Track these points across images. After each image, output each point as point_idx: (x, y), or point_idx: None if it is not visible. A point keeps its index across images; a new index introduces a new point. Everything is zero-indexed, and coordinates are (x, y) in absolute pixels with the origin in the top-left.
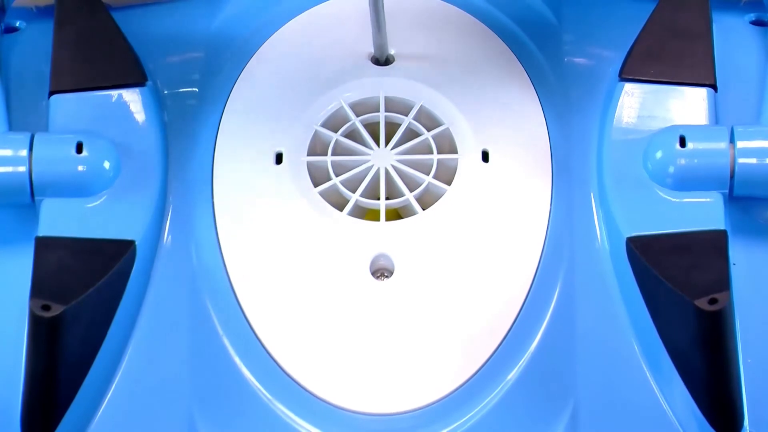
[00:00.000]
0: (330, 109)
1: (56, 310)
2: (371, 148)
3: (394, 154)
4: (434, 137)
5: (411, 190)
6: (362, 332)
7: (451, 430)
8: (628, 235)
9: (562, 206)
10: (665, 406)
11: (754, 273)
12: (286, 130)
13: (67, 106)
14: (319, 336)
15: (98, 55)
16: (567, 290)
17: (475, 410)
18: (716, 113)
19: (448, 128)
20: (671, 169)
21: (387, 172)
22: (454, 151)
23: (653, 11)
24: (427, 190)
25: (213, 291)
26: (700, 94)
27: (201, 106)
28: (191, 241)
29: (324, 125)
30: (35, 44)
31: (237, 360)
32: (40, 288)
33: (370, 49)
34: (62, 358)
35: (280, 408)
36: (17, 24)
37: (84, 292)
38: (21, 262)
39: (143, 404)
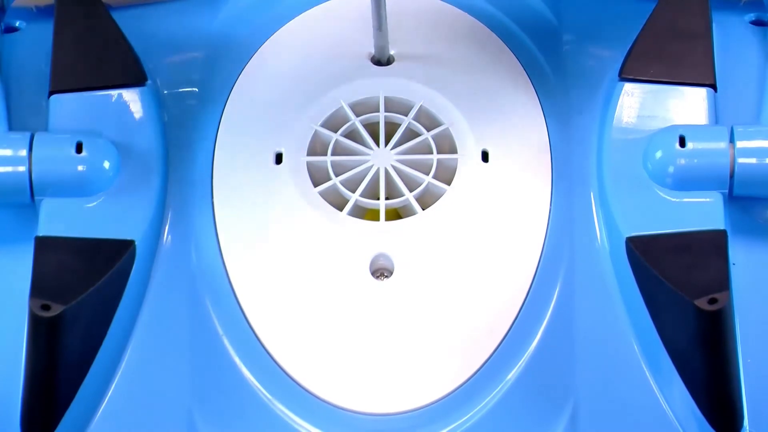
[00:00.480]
0: (330, 109)
1: (56, 309)
2: (371, 148)
3: (393, 154)
4: (434, 137)
5: (411, 190)
6: (362, 332)
7: (451, 430)
8: (628, 235)
9: (562, 206)
10: (665, 406)
11: (754, 273)
12: (286, 130)
13: (67, 106)
14: (318, 336)
15: (98, 55)
16: (567, 290)
17: (475, 410)
18: (716, 113)
19: (447, 128)
20: (671, 169)
21: (387, 172)
22: (454, 151)
23: (653, 11)
24: (426, 190)
25: (213, 291)
26: (700, 94)
27: (201, 106)
28: (191, 241)
29: (324, 125)
30: (35, 44)
31: (237, 360)
32: (39, 288)
33: (371, 50)
34: (62, 357)
35: (280, 408)
36: (17, 24)
37: (84, 292)
38: (21, 262)
39: (143, 404)
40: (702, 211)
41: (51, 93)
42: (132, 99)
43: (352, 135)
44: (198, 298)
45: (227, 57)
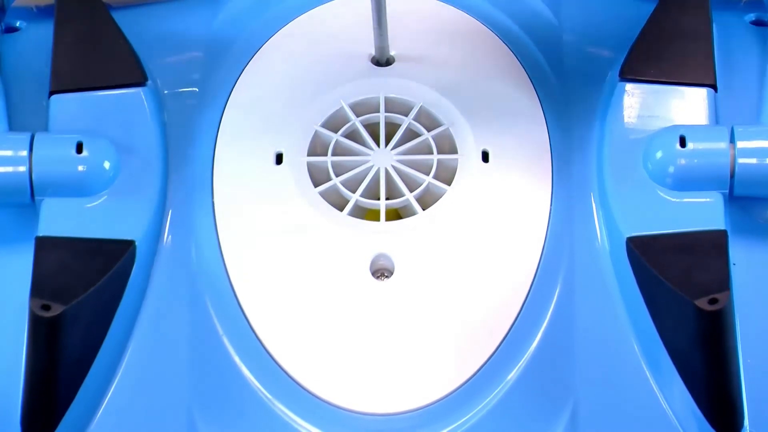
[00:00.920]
0: (330, 109)
1: (56, 309)
2: (371, 149)
3: (394, 155)
4: (434, 137)
5: (411, 191)
6: (362, 332)
7: (451, 430)
8: (628, 235)
9: (562, 206)
10: (665, 405)
11: (754, 273)
12: (287, 130)
13: (67, 106)
14: (319, 336)
15: (98, 55)
16: (567, 290)
17: (475, 410)
18: (716, 113)
19: (448, 128)
20: (671, 169)
21: (387, 173)
22: (454, 151)
23: (653, 11)
24: (427, 190)
25: (213, 291)
26: (700, 94)
27: (201, 106)
28: (191, 241)
29: (324, 126)
30: (35, 44)
31: (237, 360)
32: (40, 288)
33: (371, 50)
34: (62, 357)
35: (280, 408)
36: (17, 24)
37: (84, 292)
38: (21, 261)
39: (143, 404)
40: (702, 211)
41: (51, 93)
42: (132, 99)
43: (352, 135)
44: (198, 298)
45: (227, 57)
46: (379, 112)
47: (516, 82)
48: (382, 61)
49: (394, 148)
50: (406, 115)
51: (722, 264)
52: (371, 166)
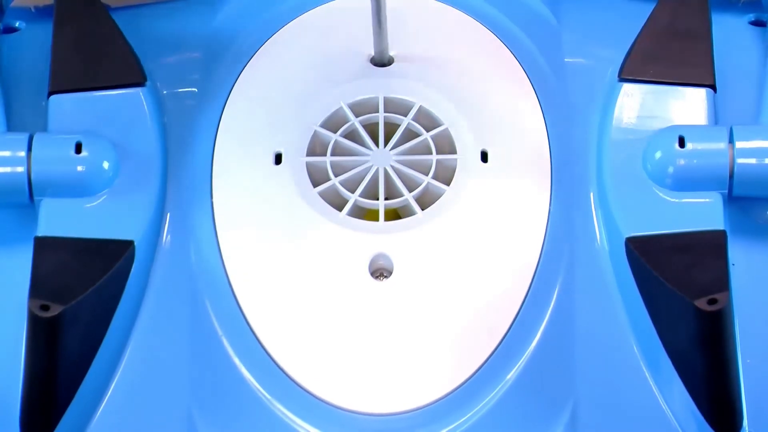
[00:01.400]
0: (329, 109)
1: (55, 310)
2: (370, 149)
3: (393, 155)
4: (433, 138)
5: (410, 191)
6: (361, 332)
7: (450, 429)
8: (628, 236)
9: (562, 206)
10: (664, 406)
11: (753, 273)
12: (286, 130)
13: (67, 107)
14: (318, 336)
15: (97, 55)
16: (566, 290)
17: (475, 410)
18: (715, 113)
19: (447, 129)
20: (670, 170)
21: (386, 173)
22: (453, 151)
23: (653, 11)
24: (426, 190)
25: (212, 291)
26: (700, 94)
27: (200, 106)
28: (190, 241)
29: (323, 126)
30: (35, 44)
31: (236, 360)
32: (39, 288)
33: (370, 51)
34: (61, 358)
35: (280, 408)
36: (16, 24)
37: (83, 292)
38: (20, 262)
39: (142, 404)
40: (701, 212)
41: (50, 93)
42: (132, 99)
43: (351, 135)
44: (197, 298)
45: (227, 57)
46: (378, 112)
47: (515, 82)
48: (382, 61)
49: (393, 148)
50: (405, 116)
51: (721, 264)
52: (370, 166)
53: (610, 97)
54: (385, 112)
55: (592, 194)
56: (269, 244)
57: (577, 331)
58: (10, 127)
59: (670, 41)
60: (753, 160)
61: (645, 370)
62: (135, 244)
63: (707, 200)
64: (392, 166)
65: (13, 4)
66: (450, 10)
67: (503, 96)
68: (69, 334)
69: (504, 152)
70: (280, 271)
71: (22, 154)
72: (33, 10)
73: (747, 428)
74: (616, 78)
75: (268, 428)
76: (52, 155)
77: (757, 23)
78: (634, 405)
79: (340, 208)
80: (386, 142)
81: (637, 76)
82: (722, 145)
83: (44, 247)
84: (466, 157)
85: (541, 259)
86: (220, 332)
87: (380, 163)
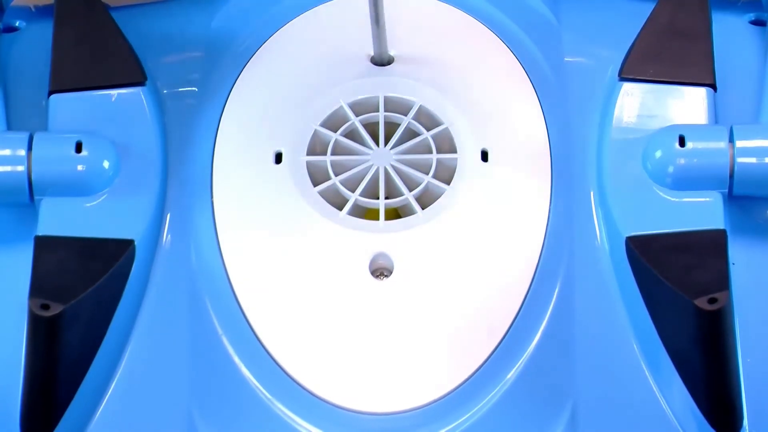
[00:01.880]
0: (330, 108)
1: (55, 309)
2: (371, 148)
3: (393, 154)
4: (433, 137)
5: (410, 190)
6: (362, 331)
7: (450, 429)
8: (628, 235)
9: (562, 206)
10: (665, 405)
11: (753, 273)
12: (286, 129)
13: (67, 106)
14: (318, 335)
15: (98, 55)
16: (566, 290)
17: (475, 409)
18: (715, 113)
19: (447, 128)
20: (671, 169)
21: (386, 172)
22: (454, 150)
23: (653, 11)
24: (426, 189)
25: (212, 290)
26: (700, 93)
27: (201, 105)
28: (191, 240)
29: (323, 125)
30: (35, 44)
31: (236, 359)
32: (39, 287)
33: (370, 50)
34: (61, 357)
35: (280, 407)
36: (17, 24)
37: (83, 292)
38: (20, 261)
39: (143, 404)
40: (702, 211)
41: (51, 93)
42: (132, 99)
43: (351, 135)
44: (198, 298)
45: (227, 57)
46: (378, 111)
47: (515, 81)
48: (382, 60)
49: (393, 147)
50: (406, 115)
51: (721, 263)
52: (370, 166)
53: (610, 97)
54: (385, 111)
55: (592, 193)
56: (269, 243)
57: (577, 331)
58: (11, 127)
59: (671, 40)
60: (753, 160)
61: (645, 369)
62: (135, 243)
63: (707, 199)
64: (392, 166)
65: (13, 4)
66: (450, 10)
67: (503, 95)
68: (69, 334)
69: (504, 151)
70: (281, 271)
71: (23, 153)
72: (33, 9)
73: (747, 428)
74: (617, 77)
75: (269, 428)
76: (53, 154)
77: (757, 23)
78: (634, 404)
79: (340, 208)
80: (386, 142)
81: (637, 75)
82: (722, 144)
83: (44, 246)
84: (466, 156)
85: (541, 259)
86: (220, 331)
87: (380, 162)
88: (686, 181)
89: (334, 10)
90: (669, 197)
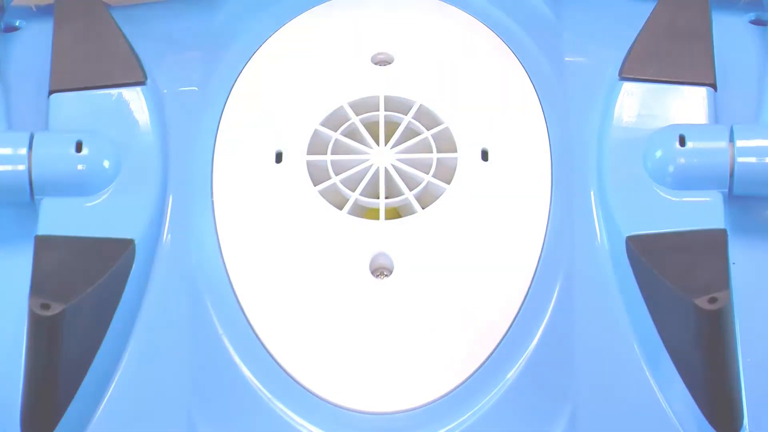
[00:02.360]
0: (330, 108)
1: (56, 308)
2: (371, 147)
3: (393, 153)
4: (434, 136)
5: (410, 189)
6: (362, 331)
7: (450, 429)
8: (628, 234)
9: (562, 205)
10: (665, 405)
11: (754, 272)
12: (286, 129)
13: (67, 105)
14: (318, 335)
15: (98, 54)
16: (566, 289)
17: (475, 409)
18: (716, 112)
19: (447, 127)
20: (671, 168)
21: (386, 171)
22: (454, 150)
23: (653, 11)
24: (426, 188)
25: (213, 290)
26: (700, 93)
27: (201, 104)
28: (191, 239)
29: (324, 124)
30: (35, 43)
31: (237, 359)
32: (39, 287)
33: (371, 49)
34: (62, 357)
35: (280, 407)
36: (17, 23)
37: (83, 291)
38: (20, 260)
39: (143, 403)
40: (702, 211)
41: (51, 92)
42: (132, 98)
43: (352, 134)
44: (198, 298)
45: (228, 56)
46: (378, 110)
47: (515, 81)
48: (382, 60)
49: (393, 146)
50: (406, 114)
51: (722, 263)
52: (371, 165)
53: (610, 96)
54: (385, 110)
55: (592, 193)
56: (270, 242)
57: (577, 331)
58: (11, 126)
59: (671, 40)
60: (753, 159)
61: (645, 369)
62: (135, 242)
63: (708, 199)
64: (393, 165)
65: (13, 3)
66: (450, 9)
67: (504, 94)
68: (69, 333)
69: (504, 151)
70: (281, 270)
71: (23, 152)
72: (33, 9)
73: (747, 428)
74: (617, 77)
75: (269, 427)
76: (53, 154)
77: (757, 22)
78: (634, 404)
79: (340, 207)
80: (387, 141)
81: (637, 74)
82: (723, 143)
83: (45, 245)
84: (466, 155)
85: (541, 258)
86: (220, 331)
87: (381, 161)
88: (686, 181)
89: (334, 10)
90: (669, 197)
